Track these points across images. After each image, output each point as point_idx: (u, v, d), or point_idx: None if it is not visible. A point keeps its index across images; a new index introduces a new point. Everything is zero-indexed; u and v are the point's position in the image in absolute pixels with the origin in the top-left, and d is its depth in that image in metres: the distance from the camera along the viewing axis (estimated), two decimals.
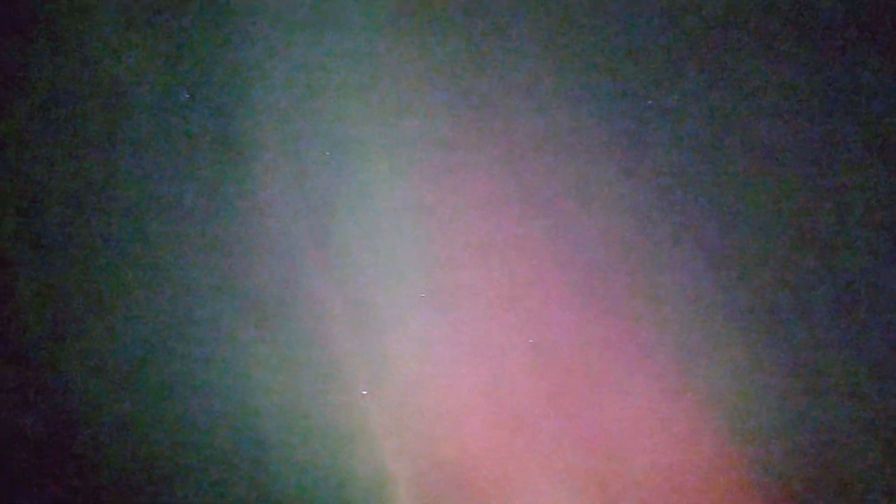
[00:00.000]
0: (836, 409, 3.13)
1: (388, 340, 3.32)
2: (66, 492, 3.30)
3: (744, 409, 3.17)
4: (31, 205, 3.34)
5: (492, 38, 3.29)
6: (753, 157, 3.23)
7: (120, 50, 3.34)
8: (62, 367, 3.30)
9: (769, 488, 3.15)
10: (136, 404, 3.31)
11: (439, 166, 3.30)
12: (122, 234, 3.34)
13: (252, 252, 3.33)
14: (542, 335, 3.29)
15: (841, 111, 3.19)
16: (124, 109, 3.35)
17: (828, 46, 3.20)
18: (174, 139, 3.35)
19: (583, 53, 3.27)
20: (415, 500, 3.29)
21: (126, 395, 3.31)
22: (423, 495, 3.29)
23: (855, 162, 3.19)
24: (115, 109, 3.34)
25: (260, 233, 3.33)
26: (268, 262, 3.32)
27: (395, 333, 3.32)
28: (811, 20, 3.21)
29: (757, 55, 3.22)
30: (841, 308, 3.16)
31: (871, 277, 3.15)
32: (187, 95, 3.31)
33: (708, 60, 3.24)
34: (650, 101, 3.24)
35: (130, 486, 3.30)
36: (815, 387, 3.15)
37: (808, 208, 3.20)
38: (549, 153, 3.28)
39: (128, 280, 3.32)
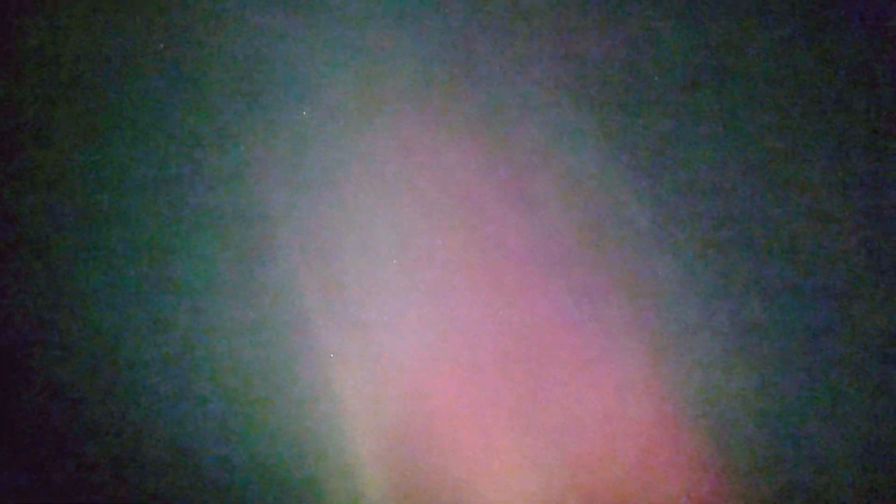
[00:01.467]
0: (805, 403, 3.16)
1: (357, 307, 3.33)
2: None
3: (715, 400, 3.19)
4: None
5: (480, 37, 3.27)
6: (738, 157, 3.22)
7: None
8: None
9: (738, 476, 3.19)
10: (103, 372, 3.32)
11: (420, 152, 3.30)
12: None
13: (222, 221, 3.31)
14: (514, 314, 3.29)
15: (836, 112, 3.21)
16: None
17: (823, 47, 3.21)
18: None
19: (572, 52, 3.26)
20: (380, 468, 3.32)
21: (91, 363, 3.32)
22: (388, 462, 3.31)
23: (843, 165, 3.22)
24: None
25: (230, 202, 3.31)
26: (239, 231, 3.31)
27: (365, 300, 3.33)
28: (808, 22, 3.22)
29: (751, 55, 3.22)
30: (813, 306, 3.19)
31: (845, 285, 3.18)
32: (162, 46, 3.30)
33: (699, 60, 3.23)
34: (636, 99, 3.24)
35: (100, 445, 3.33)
36: (785, 380, 3.17)
37: (786, 211, 3.22)
38: (533, 145, 3.26)
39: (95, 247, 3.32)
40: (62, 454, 3.31)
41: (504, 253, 3.29)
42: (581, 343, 3.26)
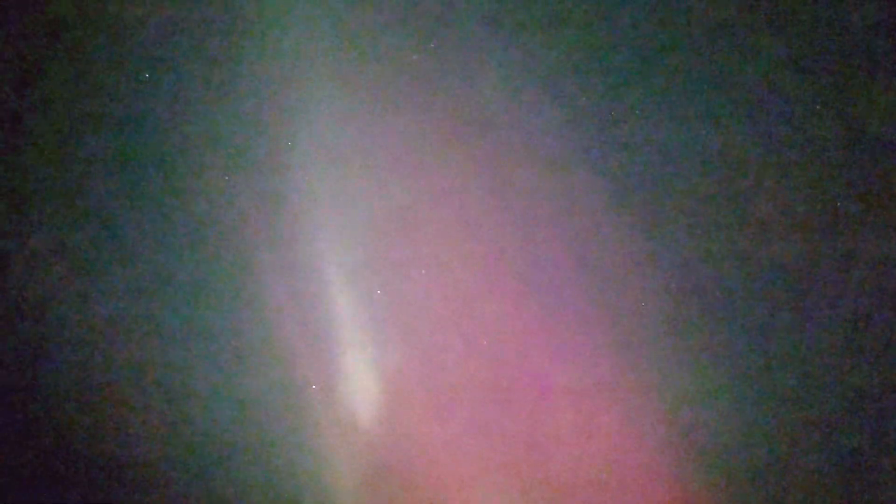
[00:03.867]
0: (784, 410, 3.14)
1: (340, 337, 3.32)
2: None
3: (694, 412, 3.16)
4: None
5: (470, 38, 3.29)
6: (734, 166, 3.19)
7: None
8: None
9: (717, 488, 3.14)
10: (95, 401, 3.33)
11: (406, 165, 3.29)
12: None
13: (202, 247, 3.31)
14: (496, 338, 3.27)
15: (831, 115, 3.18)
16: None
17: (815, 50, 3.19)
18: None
19: (565, 57, 3.26)
20: (362, 495, 3.28)
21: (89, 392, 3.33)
22: (371, 490, 3.28)
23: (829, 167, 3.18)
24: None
25: (211, 227, 3.31)
26: (219, 256, 3.32)
27: (349, 331, 3.31)
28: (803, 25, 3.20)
29: (744, 60, 3.20)
30: (797, 311, 3.14)
31: (833, 290, 3.13)
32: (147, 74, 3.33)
33: (691, 64, 3.21)
34: (629, 106, 3.22)
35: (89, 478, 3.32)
36: (765, 388, 3.15)
37: (774, 217, 3.18)
38: (523, 157, 3.25)
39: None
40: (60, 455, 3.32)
41: (488, 272, 3.27)
42: (564, 360, 3.22)
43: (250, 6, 3.24)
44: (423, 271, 3.27)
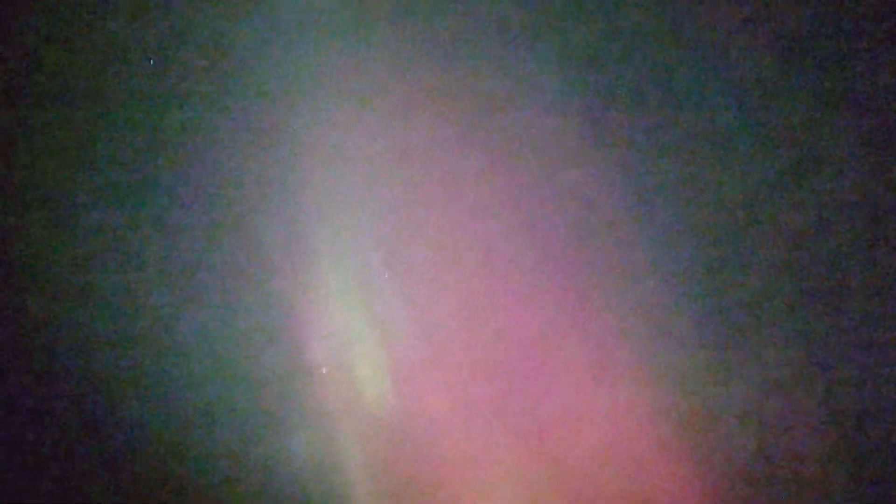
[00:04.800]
0: (789, 399, 3.15)
1: (348, 320, 3.33)
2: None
3: (699, 401, 3.18)
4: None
5: (476, 35, 3.29)
6: (740, 162, 3.21)
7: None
8: None
9: (723, 475, 3.17)
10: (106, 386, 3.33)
11: (416, 157, 3.30)
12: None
13: (211, 229, 3.32)
14: (506, 319, 3.28)
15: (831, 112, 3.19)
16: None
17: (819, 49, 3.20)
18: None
19: (571, 52, 3.26)
20: (370, 479, 3.29)
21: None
22: (380, 471, 3.30)
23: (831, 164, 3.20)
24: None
25: (219, 209, 3.32)
26: (227, 239, 3.32)
27: (357, 313, 3.32)
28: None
29: (749, 58, 3.21)
30: (803, 302, 3.17)
31: (842, 288, 3.16)
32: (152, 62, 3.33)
33: (700, 60, 3.22)
34: (637, 101, 3.23)
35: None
36: (770, 378, 3.16)
37: (781, 213, 3.21)
38: (532, 151, 3.26)
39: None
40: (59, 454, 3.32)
41: (494, 259, 3.28)
42: (571, 346, 3.24)
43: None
44: (431, 253, 3.29)
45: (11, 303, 3.33)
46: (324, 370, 3.33)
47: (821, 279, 3.15)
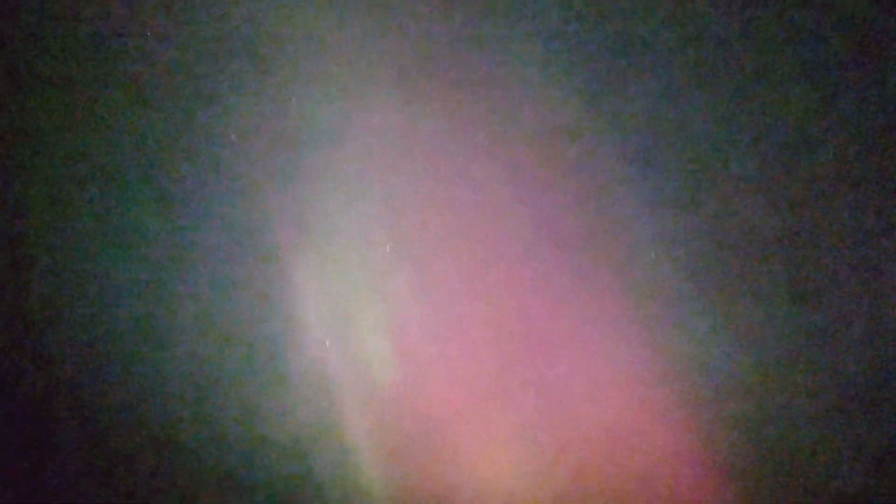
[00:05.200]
0: (785, 380, 3.18)
1: (352, 295, 3.34)
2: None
3: (701, 379, 3.21)
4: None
5: (482, 28, 3.25)
6: (752, 159, 3.20)
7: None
8: None
9: (724, 454, 3.21)
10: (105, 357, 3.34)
11: (413, 146, 3.28)
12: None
13: (218, 207, 3.31)
14: (511, 293, 3.29)
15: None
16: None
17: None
18: None
19: (578, 45, 3.22)
20: (375, 452, 3.34)
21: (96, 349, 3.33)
22: (385, 446, 3.34)
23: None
24: None
25: (222, 197, 3.32)
26: (230, 216, 3.31)
27: (361, 288, 3.33)
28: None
29: (759, 55, 3.18)
30: (813, 297, 3.19)
31: (846, 277, 3.17)
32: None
33: (708, 55, 3.19)
34: (648, 94, 3.20)
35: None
36: (765, 358, 3.19)
37: (786, 202, 3.21)
38: (531, 136, 3.24)
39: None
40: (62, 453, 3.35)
41: (501, 243, 3.28)
42: (577, 329, 3.27)
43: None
44: (437, 228, 3.29)
45: (14, 298, 3.32)
46: (327, 343, 3.36)
47: (820, 249, 3.17)
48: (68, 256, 3.34)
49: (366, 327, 3.32)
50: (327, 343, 3.35)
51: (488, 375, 3.30)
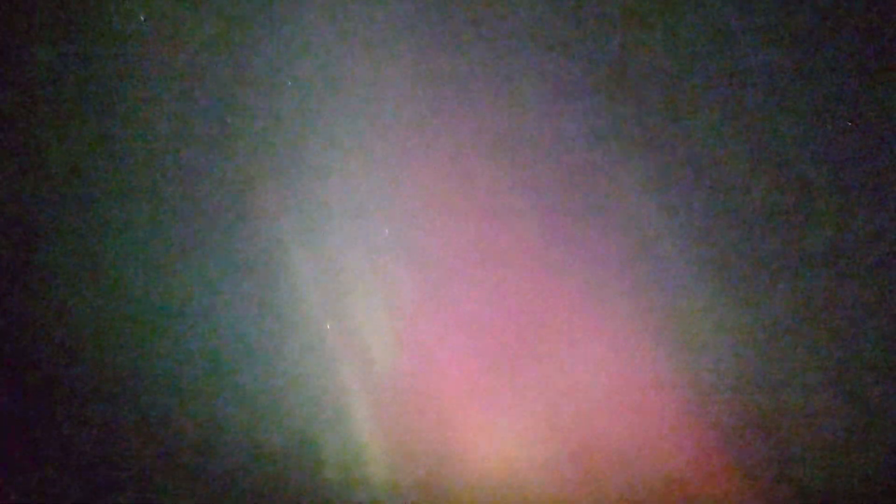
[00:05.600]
0: (791, 366, 3.15)
1: (353, 276, 3.33)
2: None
3: (709, 363, 3.18)
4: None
5: (482, 28, 3.19)
6: (755, 156, 3.13)
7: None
8: None
9: (729, 436, 3.19)
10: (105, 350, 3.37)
11: (417, 144, 3.26)
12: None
13: (219, 187, 3.31)
14: (510, 272, 3.27)
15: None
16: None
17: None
18: None
19: (579, 45, 3.16)
20: (377, 434, 3.34)
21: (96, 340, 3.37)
22: (386, 426, 3.34)
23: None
24: None
25: (224, 197, 3.32)
26: (230, 202, 3.31)
27: (361, 270, 3.32)
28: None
29: (759, 54, 3.10)
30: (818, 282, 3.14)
31: (850, 261, 3.12)
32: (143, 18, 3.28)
33: (709, 53, 3.11)
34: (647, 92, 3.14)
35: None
36: (772, 344, 3.16)
37: (788, 194, 3.13)
38: (533, 133, 3.21)
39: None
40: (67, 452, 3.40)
41: (505, 234, 3.25)
42: (581, 316, 3.24)
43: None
44: (433, 211, 3.26)
45: (14, 296, 3.37)
46: (328, 325, 3.36)
47: (823, 228, 3.11)
48: (67, 253, 3.38)
49: (367, 321, 3.33)
50: (328, 326, 3.35)
51: (491, 370, 3.29)
